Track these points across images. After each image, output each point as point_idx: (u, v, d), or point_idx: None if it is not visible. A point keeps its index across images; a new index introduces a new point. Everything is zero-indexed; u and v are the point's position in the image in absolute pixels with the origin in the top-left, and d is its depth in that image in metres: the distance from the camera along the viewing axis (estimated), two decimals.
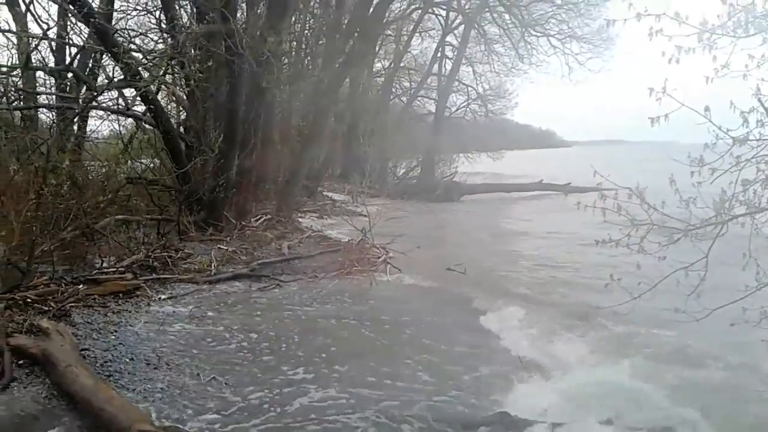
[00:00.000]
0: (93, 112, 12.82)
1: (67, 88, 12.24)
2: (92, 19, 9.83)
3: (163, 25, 12.82)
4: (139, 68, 10.39)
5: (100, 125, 14.36)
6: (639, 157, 30.75)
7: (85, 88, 12.09)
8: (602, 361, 6.48)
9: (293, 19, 17.45)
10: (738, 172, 4.52)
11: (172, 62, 10.30)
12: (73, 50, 12.32)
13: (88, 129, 13.51)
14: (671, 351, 6.88)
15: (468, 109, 33.52)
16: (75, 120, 11.57)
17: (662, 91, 4.02)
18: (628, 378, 5.81)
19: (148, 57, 10.74)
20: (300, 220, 16.75)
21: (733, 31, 3.96)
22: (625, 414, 5.04)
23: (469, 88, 32.77)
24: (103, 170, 12.62)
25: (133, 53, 10.69)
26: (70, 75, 12.12)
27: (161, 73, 10.33)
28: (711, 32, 3.96)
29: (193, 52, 11.16)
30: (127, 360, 6.11)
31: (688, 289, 4.82)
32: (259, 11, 13.79)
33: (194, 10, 14.00)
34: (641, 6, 4.07)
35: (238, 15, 12.74)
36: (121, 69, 10.41)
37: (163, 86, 12.16)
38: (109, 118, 13.72)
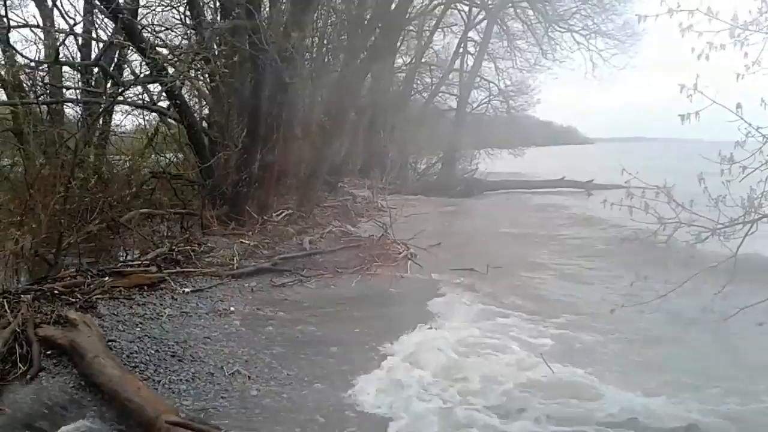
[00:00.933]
0: (117, 107, 12.97)
1: (93, 83, 12.40)
2: (120, 15, 9.93)
3: (188, 21, 12.91)
4: (165, 64, 10.46)
5: (123, 120, 14.49)
6: (663, 155, 30.40)
7: (110, 83, 12.23)
8: None
9: (315, 15, 17.45)
10: None
11: (198, 57, 10.36)
12: (99, 46, 12.47)
13: (112, 124, 13.68)
14: None
15: (489, 105, 33.31)
16: (101, 115, 11.70)
17: (693, 88, 3.97)
18: None
19: (174, 52, 10.81)
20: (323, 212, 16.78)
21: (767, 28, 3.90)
22: None
23: (491, 84, 32.54)
24: (128, 164, 12.79)
25: (159, 49, 10.78)
26: (95, 70, 12.27)
27: (186, 68, 10.39)
28: (743, 28, 3.90)
29: (217, 47, 11.23)
30: (153, 352, 6.20)
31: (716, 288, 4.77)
32: (282, 7, 13.82)
33: (217, 5, 14.08)
34: (673, 2, 4.02)
35: (262, 11, 12.77)
36: (148, 64, 10.51)
37: (187, 81, 12.25)
38: (134, 112, 13.89)
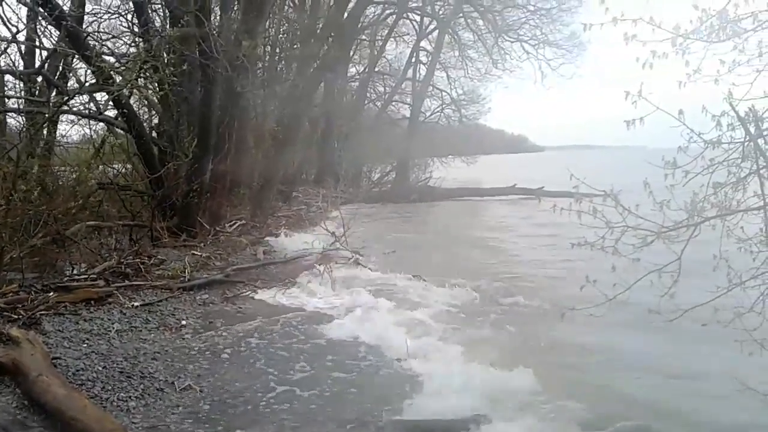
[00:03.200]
0: (63, 117, 12.60)
1: (36, 92, 12.01)
2: (64, 22, 9.66)
3: (135, 29, 12.65)
4: (112, 72, 10.22)
5: (69, 130, 14.09)
6: (610, 162, 31.14)
7: (55, 92, 11.87)
8: None
9: (267, 23, 17.35)
10: (710, 175, 4.58)
11: (146, 66, 10.15)
12: (43, 54, 12.11)
13: (57, 134, 13.28)
14: None
15: (442, 114, 33.68)
16: (45, 124, 11.34)
17: (638, 95, 4.08)
18: None
19: (121, 61, 10.58)
20: (276, 223, 16.64)
21: (707, 36, 4.03)
22: None
23: (443, 93, 32.94)
24: (74, 176, 12.41)
25: (106, 57, 10.54)
26: (39, 79, 11.90)
27: (134, 76, 10.17)
28: (685, 37, 4.03)
29: (166, 55, 11.02)
30: (100, 368, 6.01)
31: (662, 291, 4.87)
32: (232, 15, 13.67)
33: (166, 13, 13.84)
34: (617, 11, 4.13)
35: (212, 19, 12.60)
36: (93, 73, 10.25)
37: (135, 90, 12.00)
38: (80, 122, 13.50)
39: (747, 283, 4.73)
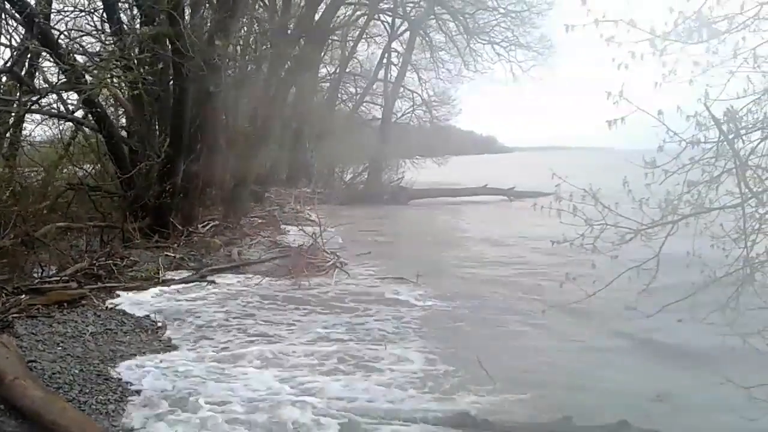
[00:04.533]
0: (27, 117, 12.32)
1: (2, 91, 11.74)
2: (36, 20, 9.47)
3: (105, 28, 12.42)
4: (83, 71, 10.05)
5: (35, 129, 13.70)
6: (579, 162, 31.52)
7: (21, 91, 11.60)
8: None
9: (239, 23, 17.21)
10: (685, 174, 4.68)
11: (120, 64, 10.00)
12: (7, 52, 11.84)
13: (23, 134, 12.97)
14: None
15: (413, 114, 33.73)
16: (16, 123, 11.10)
17: (619, 95, 4.16)
18: None
19: (94, 59, 10.39)
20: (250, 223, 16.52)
21: (685, 38, 4.12)
22: None
23: (415, 94, 32.97)
24: (42, 176, 12.19)
25: (77, 55, 10.36)
26: (3, 79, 11.62)
27: (107, 75, 10.01)
28: (664, 38, 4.11)
29: (137, 54, 10.86)
30: (77, 371, 5.90)
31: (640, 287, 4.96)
32: (204, 15, 13.52)
33: (134, 12, 13.64)
34: (585, 13, 4.20)
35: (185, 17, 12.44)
36: (64, 72, 10.06)
37: (107, 89, 11.81)
38: (45, 122, 13.23)
39: (722, 279, 4.85)
